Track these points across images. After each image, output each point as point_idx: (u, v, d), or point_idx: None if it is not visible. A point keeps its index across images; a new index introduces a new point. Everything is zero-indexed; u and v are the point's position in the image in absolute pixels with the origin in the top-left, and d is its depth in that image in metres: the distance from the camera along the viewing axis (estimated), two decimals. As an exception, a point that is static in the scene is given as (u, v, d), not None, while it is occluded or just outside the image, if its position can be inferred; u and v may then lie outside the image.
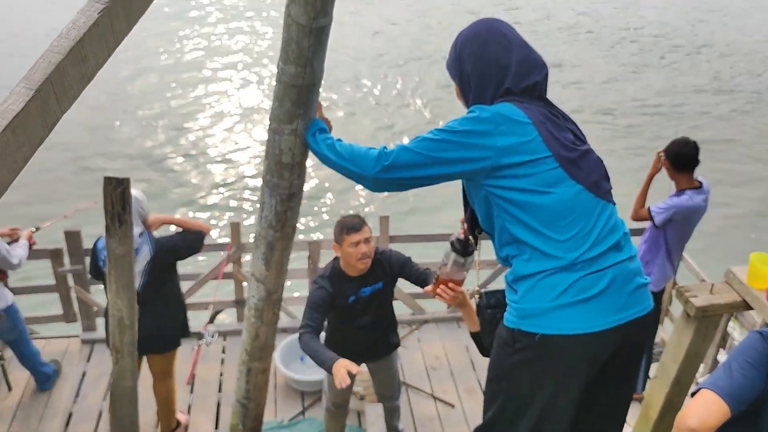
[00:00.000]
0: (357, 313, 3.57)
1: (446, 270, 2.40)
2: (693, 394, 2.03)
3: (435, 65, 14.72)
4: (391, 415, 4.11)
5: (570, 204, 1.96)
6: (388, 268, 3.55)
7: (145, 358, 4.02)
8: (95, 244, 3.87)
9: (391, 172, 1.96)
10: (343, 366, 2.90)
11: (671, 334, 2.75)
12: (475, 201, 2.12)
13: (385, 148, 2.01)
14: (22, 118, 0.83)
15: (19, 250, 4.28)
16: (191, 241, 3.89)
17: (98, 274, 3.88)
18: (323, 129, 2.10)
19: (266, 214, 2.08)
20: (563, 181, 1.96)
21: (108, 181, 2.21)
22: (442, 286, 2.43)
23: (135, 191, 3.54)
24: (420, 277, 3.50)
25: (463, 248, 2.34)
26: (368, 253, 3.38)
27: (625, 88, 13.95)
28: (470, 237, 2.36)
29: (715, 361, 4.66)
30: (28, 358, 4.59)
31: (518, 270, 2.04)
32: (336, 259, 3.52)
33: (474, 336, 2.72)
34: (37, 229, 4.57)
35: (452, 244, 2.35)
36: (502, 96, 2.06)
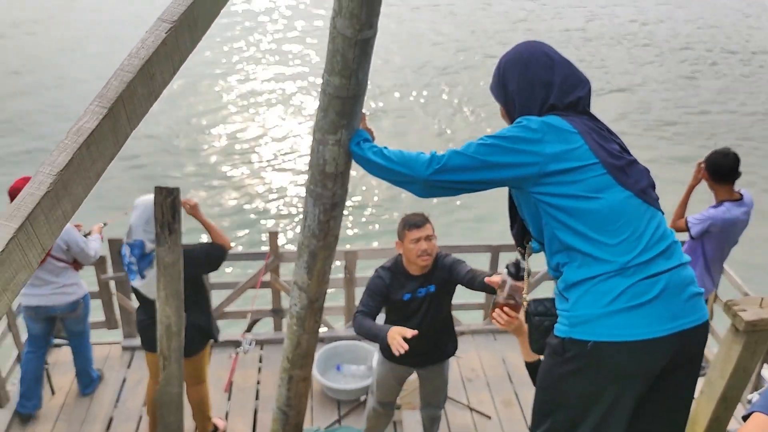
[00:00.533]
0: (410, 312, 3.55)
1: (503, 294, 2.41)
2: (745, 418, 1.94)
3: (477, 71, 14.74)
4: (431, 424, 4.10)
5: (619, 208, 1.97)
6: (440, 270, 3.53)
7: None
8: (120, 252, 3.92)
9: (442, 174, 1.99)
10: (397, 332, 2.94)
11: (718, 349, 2.69)
12: (525, 210, 2.13)
13: (435, 152, 2.04)
14: (96, 135, 0.86)
15: (94, 243, 4.43)
16: (214, 259, 3.88)
17: None
18: (367, 138, 2.13)
19: (309, 223, 2.10)
20: (611, 186, 1.98)
21: (158, 190, 2.27)
22: (497, 310, 2.43)
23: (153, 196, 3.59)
24: (465, 277, 3.46)
25: (517, 272, 2.36)
26: (428, 250, 3.39)
27: (675, 96, 13.79)
28: (522, 261, 2.37)
29: (759, 377, 4.54)
30: (84, 357, 4.70)
31: (569, 277, 2.03)
32: (400, 254, 3.55)
33: (529, 366, 2.65)
34: (105, 224, 4.73)
35: (507, 267, 2.36)
36: (547, 112, 2.11)
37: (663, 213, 2.10)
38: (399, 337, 2.91)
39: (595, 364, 2.01)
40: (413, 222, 3.40)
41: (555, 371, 2.11)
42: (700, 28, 18.72)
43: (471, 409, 4.68)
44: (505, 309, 2.42)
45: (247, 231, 8.99)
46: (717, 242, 4.19)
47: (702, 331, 2.07)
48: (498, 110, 2.28)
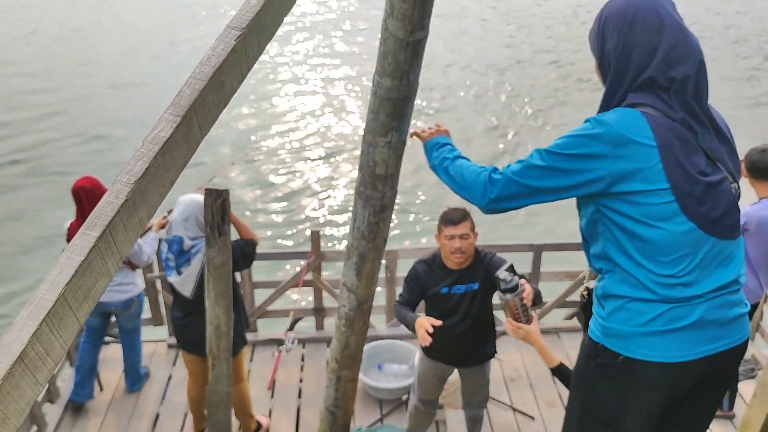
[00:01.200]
0: (449, 310, 3.52)
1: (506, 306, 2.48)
2: None
3: (533, 67, 14.62)
4: (474, 424, 4.07)
5: (677, 242, 1.85)
6: (486, 269, 3.48)
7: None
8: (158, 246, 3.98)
9: (497, 204, 1.95)
10: (424, 321, 2.95)
11: None
12: (582, 207, 2.05)
13: (495, 170, 1.97)
14: (170, 143, 0.88)
15: (148, 249, 4.49)
16: (248, 255, 3.87)
17: None
18: (440, 143, 2.14)
19: (359, 225, 2.11)
20: (675, 216, 1.83)
21: (208, 192, 2.30)
22: (508, 317, 2.50)
23: (196, 195, 3.64)
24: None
25: (505, 289, 2.41)
26: (462, 248, 3.35)
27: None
28: (510, 274, 2.40)
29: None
30: (134, 354, 4.80)
31: (609, 287, 1.98)
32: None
33: (554, 372, 2.69)
34: (170, 212, 4.78)
35: (497, 286, 2.44)
36: (642, 86, 1.87)
37: (736, 237, 1.95)
38: (423, 329, 2.91)
39: (625, 376, 1.99)
40: (450, 218, 3.36)
41: (587, 373, 2.10)
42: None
43: (514, 410, 4.64)
44: (508, 319, 2.48)
45: (289, 230, 9.06)
46: (758, 241, 4.08)
47: (739, 350, 2.02)
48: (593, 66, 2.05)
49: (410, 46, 1.77)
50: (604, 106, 1.94)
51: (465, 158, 2.15)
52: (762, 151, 4.02)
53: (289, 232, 9.00)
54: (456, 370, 3.91)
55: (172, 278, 3.80)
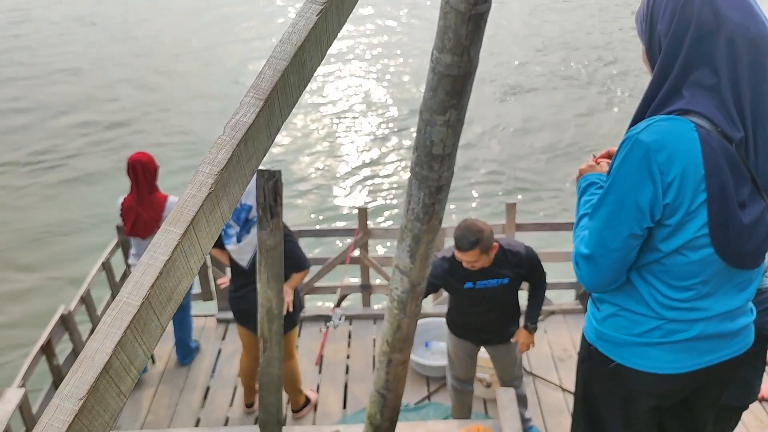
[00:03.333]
0: (472, 300, 3.52)
1: None
2: None
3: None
4: (518, 402, 4.03)
5: (695, 271, 1.71)
6: (517, 266, 3.44)
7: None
8: None
9: (594, 278, 1.79)
10: None
11: None
12: None
13: (578, 256, 1.81)
14: (253, 129, 0.82)
15: None
16: (293, 263, 3.84)
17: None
18: (595, 184, 1.95)
19: (413, 207, 2.05)
20: (704, 247, 1.68)
21: (261, 173, 2.26)
22: None
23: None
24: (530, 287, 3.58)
25: None
26: (473, 265, 3.31)
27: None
28: None
29: None
30: (185, 328, 4.87)
31: (607, 293, 1.88)
32: None
33: None
34: None
35: None
36: (700, 83, 1.62)
37: (760, 265, 1.79)
38: None
39: (617, 382, 1.92)
40: (459, 244, 3.25)
41: (583, 370, 2.08)
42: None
43: (563, 389, 4.57)
44: None
45: (337, 207, 9.06)
46: None
47: (739, 359, 1.90)
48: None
49: (472, 20, 1.69)
50: (648, 99, 1.73)
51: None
52: None
53: (336, 211, 9.00)
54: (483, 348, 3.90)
55: (231, 246, 3.81)
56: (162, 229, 0.73)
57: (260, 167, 2.29)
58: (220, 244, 4.01)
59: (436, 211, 2.06)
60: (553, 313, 5.31)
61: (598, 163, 2.07)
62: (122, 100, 12.31)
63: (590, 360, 1.99)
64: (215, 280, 5.23)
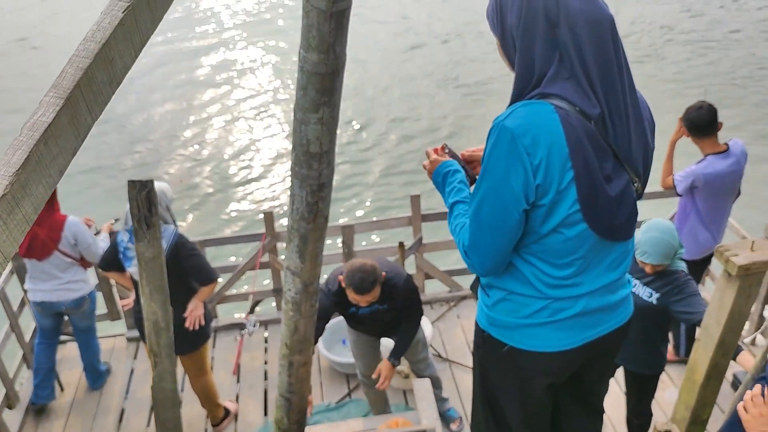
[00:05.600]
0: (360, 320, 3.67)
1: None
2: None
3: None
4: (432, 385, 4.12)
5: (572, 248, 1.80)
6: (393, 299, 3.54)
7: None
8: (115, 238, 3.87)
9: (484, 263, 1.85)
10: None
11: (712, 295, 2.66)
12: None
13: (464, 246, 1.87)
14: (54, 129, 0.80)
15: (102, 244, 4.38)
16: (199, 280, 3.82)
17: (109, 265, 3.91)
18: (455, 170, 2.02)
19: (297, 206, 2.05)
20: (577, 224, 1.75)
21: (132, 184, 2.19)
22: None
23: (160, 184, 3.53)
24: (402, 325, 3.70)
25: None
26: (363, 304, 3.42)
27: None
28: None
29: (762, 318, 4.54)
30: (92, 351, 4.68)
31: (494, 278, 1.95)
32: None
33: None
34: (116, 220, 4.71)
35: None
36: (558, 72, 1.69)
37: (629, 238, 1.90)
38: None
39: (511, 364, 2.01)
40: (359, 288, 3.29)
41: (478, 357, 2.16)
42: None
43: (479, 373, 4.69)
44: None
45: (241, 212, 8.93)
46: (707, 196, 4.14)
47: (622, 330, 2.04)
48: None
49: (334, 17, 1.70)
50: (522, 90, 1.76)
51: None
52: (698, 109, 4.03)
53: (237, 215, 8.88)
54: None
55: (132, 269, 3.69)
56: None
57: (139, 179, 2.22)
58: (120, 268, 3.88)
59: (320, 209, 2.07)
60: (465, 298, 5.43)
61: (438, 154, 2.15)
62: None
63: (484, 346, 2.06)
64: (120, 299, 5.06)
